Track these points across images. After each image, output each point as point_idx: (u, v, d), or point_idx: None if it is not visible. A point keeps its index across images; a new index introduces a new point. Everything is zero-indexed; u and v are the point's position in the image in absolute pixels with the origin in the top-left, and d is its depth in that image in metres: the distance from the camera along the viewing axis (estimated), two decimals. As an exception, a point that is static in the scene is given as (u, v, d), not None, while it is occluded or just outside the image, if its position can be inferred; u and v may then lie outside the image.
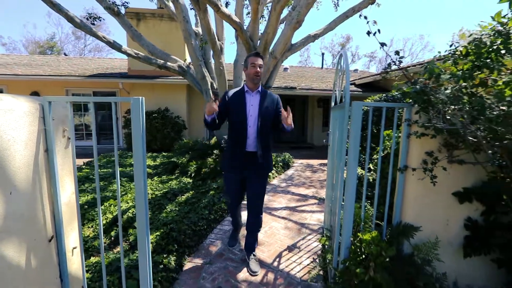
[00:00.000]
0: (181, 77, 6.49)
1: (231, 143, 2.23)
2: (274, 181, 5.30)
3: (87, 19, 5.34)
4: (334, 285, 1.77)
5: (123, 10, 5.60)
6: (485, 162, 1.67)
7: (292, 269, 2.39)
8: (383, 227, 1.94)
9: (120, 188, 3.93)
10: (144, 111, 1.46)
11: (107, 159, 5.90)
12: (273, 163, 5.96)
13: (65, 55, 15.62)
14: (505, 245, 1.84)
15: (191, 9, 6.44)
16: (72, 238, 1.61)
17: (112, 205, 3.24)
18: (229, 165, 2.24)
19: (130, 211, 3.07)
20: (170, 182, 4.27)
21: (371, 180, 3.23)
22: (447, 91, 1.43)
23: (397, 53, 1.69)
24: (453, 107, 1.50)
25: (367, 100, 4.75)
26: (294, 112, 11.81)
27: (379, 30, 1.60)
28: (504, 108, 1.24)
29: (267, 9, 7.48)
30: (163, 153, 6.93)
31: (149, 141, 7.84)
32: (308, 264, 2.45)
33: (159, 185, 4.09)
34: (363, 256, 1.68)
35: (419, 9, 44.94)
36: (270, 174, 5.33)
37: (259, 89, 2.20)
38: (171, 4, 6.09)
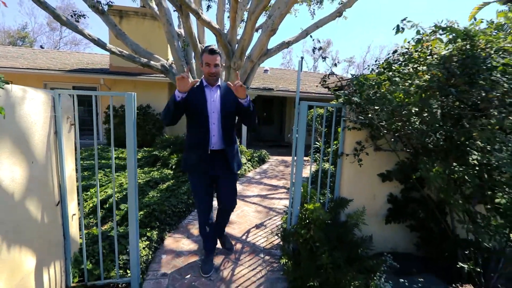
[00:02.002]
0: (162, 75, 6.78)
1: (194, 143, 2.06)
2: (249, 174, 5.76)
3: (71, 16, 5.50)
4: (286, 242, 2.25)
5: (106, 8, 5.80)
6: (399, 149, 2.24)
7: (257, 241, 2.86)
8: (326, 200, 2.46)
9: (104, 177, 4.21)
10: (135, 106, 1.85)
11: (89, 153, 6.07)
12: (250, 158, 6.44)
13: (42, 47, 15.13)
14: (415, 214, 2.43)
15: (174, 11, 6.76)
16: (72, 206, 1.97)
17: (95, 192, 3.53)
18: (193, 167, 2.08)
19: (116, 195, 3.39)
20: (152, 173, 4.60)
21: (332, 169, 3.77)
22: (359, 95, 1.95)
23: (335, 65, 2.21)
24: (371, 106, 2.03)
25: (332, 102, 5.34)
26: (273, 112, 12.42)
27: (320, 48, 2.10)
28: (390, 107, 1.78)
29: (247, 12, 7.94)
30: (145, 148, 7.16)
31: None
32: (271, 238, 2.93)
33: (142, 175, 4.41)
34: (307, 221, 2.18)
35: (398, 17, 47.41)
36: (245, 167, 5.78)
37: (219, 83, 2.08)
38: (154, 6, 6.37)
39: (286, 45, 5.77)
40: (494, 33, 2.08)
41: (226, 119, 2.05)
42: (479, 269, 2.14)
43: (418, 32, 1.88)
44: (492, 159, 1.55)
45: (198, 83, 2.02)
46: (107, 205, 3.17)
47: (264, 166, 6.55)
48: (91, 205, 3.18)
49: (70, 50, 18.65)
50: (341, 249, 2.07)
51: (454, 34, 1.83)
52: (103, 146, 7.19)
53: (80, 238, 2.22)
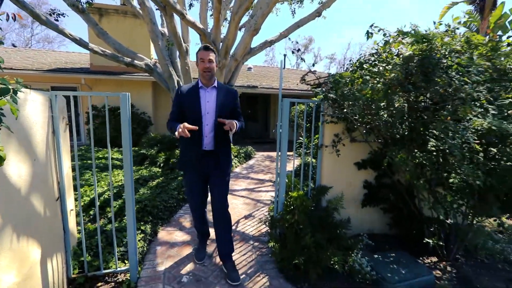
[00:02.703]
0: (146, 74, 6.77)
1: (187, 142, 2.04)
2: (237, 169, 5.94)
3: (50, 15, 5.39)
4: (273, 228, 2.46)
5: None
6: (371, 140, 2.50)
7: (246, 230, 3.05)
8: (308, 189, 2.69)
9: (91, 177, 4.23)
10: (130, 106, 1.98)
11: (82, 152, 6.01)
12: (236, 154, 6.61)
13: (14, 46, 14.36)
14: (387, 198, 2.71)
15: (156, 9, 6.75)
16: (69, 202, 2.07)
17: (87, 191, 3.58)
18: (186, 165, 2.13)
19: (105, 194, 3.45)
20: (140, 171, 4.66)
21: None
22: (334, 92, 2.18)
23: (313, 64, 2.43)
24: (346, 102, 2.27)
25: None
26: (257, 109, 12.62)
27: (298, 50, 2.31)
28: (361, 102, 2.02)
29: (230, 11, 8.05)
30: (133, 148, 7.12)
31: (114, 137, 7.91)
32: (259, 227, 3.14)
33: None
34: (292, 207, 2.39)
35: (381, 16, 48.83)
36: (233, 163, 5.95)
37: (215, 84, 2.08)
38: (137, 5, 6.34)
39: (268, 44, 5.96)
40: (451, 36, 2.35)
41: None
42: (441, 243, 2.45)
43: (384, 35, 2.12)
44: (445, 145, 1.82)
45: (194, 84, 2.09)
46: (98, 203, 3.23)
47: (251, 162, 6.75)
48: (82, 203, 3.23)
49: (46, 49, 17.82)
50: (322, 230, 2.30)
51: (414, 38, 2.08)
52: (87, 147, 7.09)
53: (78, 233, 2.31)
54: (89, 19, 5.68)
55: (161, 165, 4.97)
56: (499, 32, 11.67)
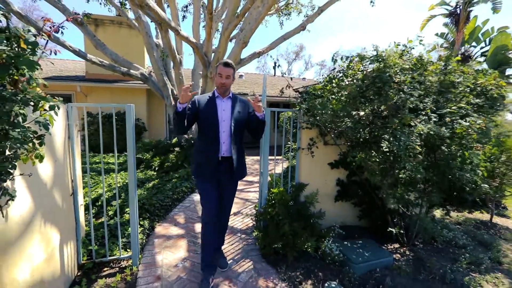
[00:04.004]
0: (140, 81, 7.10)
1: (204, 149, 2.14)
2: (228, 172, 6.29)
3: (50, 28, 5.68)
4: (257, 221, 2.83)
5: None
6: (341, 143, 2.91)
7: (235, 225, 3.41)
8: (288, 186, 3.08)
9: (92, 180, 4.52)
10: (134, 115, 2.34)
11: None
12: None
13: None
14: (356, 194, 3.12)
15: (151, 22, 7.13)
16: (79, 198, 2.39)
17: (86, 192, 3.87)
18: (203, 172, 2.14)
19: (106, 194, 3.76)
20: (136, 174, 4.96)
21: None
22: (307, 103, 2.60)
23: (291, 79, 2.84)
24: (317, 111, 2.68)
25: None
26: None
27: (279, 65, 2.72)
28: (330, 112, 2.43)
29: (221, 28, 8.51)
30: (125, 153, 7.40)
31: (109, 143, 8.16)
32: (247, 222, 3.50)
33: (128, 176, 4.76)
34: (273, 202, 2.77)
35: (370, 23, 50.49)
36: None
37: (230, 95, 2.20)
38: (130, 15, 6.70)
39: (257, 55, 6.40)
40: (407, 54, 2.80)
41: (236, 128, 2.14)
42: (402, 231, 2.87)
43: (347, 58, 2.56)
44: (394, 147, 2.24)
45: (211, 94, 2.19)
46: (99, 203, 3.54)
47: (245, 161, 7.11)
48: (85, 202, 3.52)
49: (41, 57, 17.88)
50: (299, 221, 2.68)
51: (371, 59, 2.53)
52: (82, 152, 7.32)
53: (86, 226, 2.63)
54: (87, 31, 6.01)
55: (156, 168, 5.29)
56: (474, 43, 12.51)
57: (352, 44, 55.02)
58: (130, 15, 7.07)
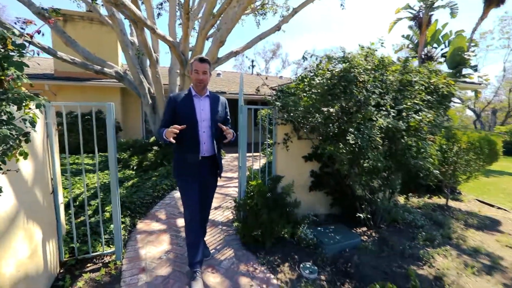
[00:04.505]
0: (113, 80, 6.94)
1: (184, 150, 2.10)
2: (208, 170, 6.38)
3: (15, 23, 5.40)
4: (238, 212, 2.99)
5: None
6: (314, 138, 3.15)
7: (216, 218, 3.54)
8: (266, 179, 3.27)
9: (66, 181, 4.40)
10: (114, 114, 2.39)
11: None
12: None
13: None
14: (329, 184, 3.38)
15: (124, 19, 6.98)
16: (59, 197, 2.41)
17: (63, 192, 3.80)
18: (185, 173, 2.13)
19: (82, 195, 3.71)
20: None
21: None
22: (280, 100, 2.80)
23: (266, 78, 3.02)
24: (292, 108, 2.89)
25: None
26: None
27: (254, 65, 2.88)
28: (302, 108, 2.65)
29: (198, 21, 8.50)
30: (100, 153, 7.20)
31: (78, 143, 7.87)
32: (227, 215, 3.64)
33: (106, 175, 4.70)
34: (252, 193, 2.94)
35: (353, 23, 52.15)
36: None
37: (208, 93, 2.16)
38: (103, 11, 6.52)
39: (234, 54, 6.52)
40: (370, 56, 3.08)
41: (216, 127, 2.12)
42: (369, 216, 3.17)
43: (317, 58, 2.79)
44: (358, 140, 2.51)
45: (187, 92, 2.11)
46: (77, 203, 3.50)
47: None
48: (65, 201, 3.47)
49: None
50: (276, 210, 2.88)
51: (338, 60, 2.77)
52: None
53: (67, 225, 2.63)
54: (56, 28, 5.78)
55: (135, 167, 5.25)
56: (435, 44, 13.52)
57: (328, 43, 56.68)
58: (103, 11, 6.87)
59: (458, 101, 23.45)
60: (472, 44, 13.22)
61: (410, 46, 14.29)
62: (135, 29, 4.92)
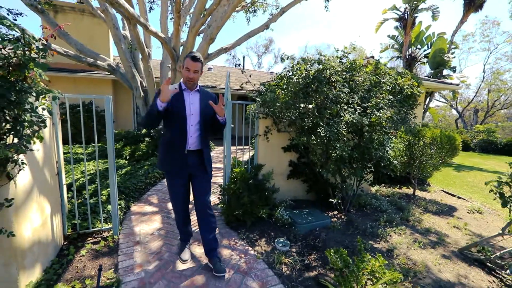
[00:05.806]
0: (105, 72, 7.11)
1: (171, 143, 2.13)
2: (197, 161, 6.71)
3: (8, 14, 5.50)
4: (222, 196, 3.36)
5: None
6: (291, 130, 3.53)
7: (204, 203, 3.89)
8: (248, 166, 3.64)
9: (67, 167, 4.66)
10: (112, 106, 2.69)
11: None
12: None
13: None
14: (305, 172, 3.78)
15: (116, 12, 7.12)
16: (63, 178, 2.71)
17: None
18: (170, 166, 2.16)
19: (80, 180, 3.99)
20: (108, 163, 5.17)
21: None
22: (261, 97, 3.16)
23: (250, 76, 3.37)
24: (271, 103, 3.25)
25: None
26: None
27: (239, 64, 3.22)
28: (278, 104, 3.02)
29: (190, 16, 8.68)
30: (92, 144, 7.39)
31: (74, 134, 8.01)
32: (214, 200, 4.00)
33: (100, 164, 4.96)
34: (235, 179, 3.31)
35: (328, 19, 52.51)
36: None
37: (198, 88, 2.18)
38: (95, 3, 6.65)
39: (224, 50, 6.80)
40: (344, 58, 3.45)
41: (204, 121, 2.16)
42: (340, 201, 3.59)
43: (293, 59, 3.15)
44: (328, 133, 2.90)
45: (177, 87, 2.11)
46: (72, 188, 3.77)
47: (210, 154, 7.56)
48: (67, 182, 3.74)
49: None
50: (256, 194, 3.27)
51: (312, 61, 3.14)
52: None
53: (69, 204, 2.93)
54: (49, 20, 5.90)
55: (127, 157, 5.52)
56: (418, 45, 14.09)
57: (320, 40, 57.11)
58: (94, 3, 6.98)
59: (444, 100, 24.40)
60: (453, 46, 13.88)
61: (396, 46, 14.84)
62: (128, 25, 5.12)
